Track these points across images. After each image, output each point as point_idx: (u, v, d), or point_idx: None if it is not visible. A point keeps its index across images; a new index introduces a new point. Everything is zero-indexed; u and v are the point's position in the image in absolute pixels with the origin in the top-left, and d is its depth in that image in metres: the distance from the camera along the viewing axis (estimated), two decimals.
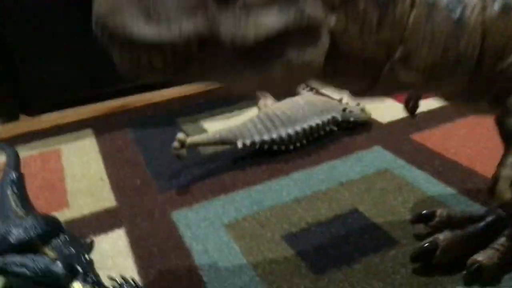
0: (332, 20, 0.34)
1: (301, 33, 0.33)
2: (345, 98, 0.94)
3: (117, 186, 0.80)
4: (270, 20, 0.31)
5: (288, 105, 0.85)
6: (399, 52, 0.37)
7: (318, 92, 1.03)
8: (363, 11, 0.35)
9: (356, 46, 0.36)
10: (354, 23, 0.35)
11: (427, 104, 1.00)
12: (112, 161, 0.89)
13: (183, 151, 0.77)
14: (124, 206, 0.74)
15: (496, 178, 0.41)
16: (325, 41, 0.34)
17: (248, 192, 0.74)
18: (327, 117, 0.87)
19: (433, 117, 0.95)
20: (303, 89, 0.95)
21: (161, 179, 0.81)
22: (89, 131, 1.04)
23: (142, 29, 0.30)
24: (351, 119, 0.90)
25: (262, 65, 0.33)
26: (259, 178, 0.78)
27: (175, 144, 0.76)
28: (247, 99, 1.01)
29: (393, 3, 0.35)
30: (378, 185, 0.73)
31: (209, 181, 0.79)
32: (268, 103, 0.89)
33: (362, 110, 0.92)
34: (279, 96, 0.38)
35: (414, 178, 0.74)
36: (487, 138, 0.85)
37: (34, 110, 1.17)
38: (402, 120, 0.95)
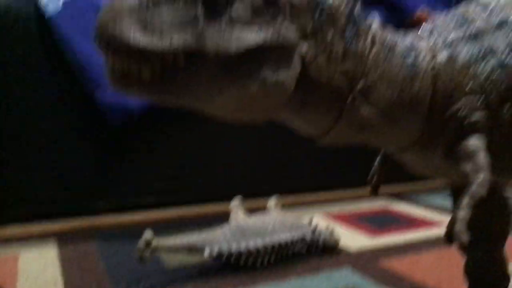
0: (303, 47, 0.38)
1: (276, 53, 0.36)
2: (315, 220, 0.96)
3: None
4: (250, 36, 0.35)
5: (259, 219, 0.86)
6: (360, 84, 0.40)
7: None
8: (331, 42, 0.39)
9: (324, 75, 0.39)
10: (322, 52, 0.38)
11: (396, 238, 1.02)
12: (70, 267, 0.85)
13: (148, 254, 0.75)
14: None
15: (453, 220, 0.41)
16: (296, 64, 0.37)
17: None
18: (296, 235, 0.88)
19: (401, 247, 0.96)
20: (275, 207, 0.97)
21: (119, 286, 0.76)
22: (52, 241, 1.01)
23: (137, 37, 0.33)
24: (320, 241, 0.91)
25: (241, 80, 0.36)
26: None
27: (140, 244, 0.74)
28: (219, 219, 1.01)
29: (356, 38, 0.40)
30: None
31: None
32: (240, 215, 0.90)
33: (331, 234, 0.93)
34: (253, 122, 0.40)
35: None
36: (454, 266, 0.85)
37: None
38: (370, 248, 0.96)
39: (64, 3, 1.11)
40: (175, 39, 0.34)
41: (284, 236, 0.85)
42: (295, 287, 0.76)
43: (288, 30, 0.37)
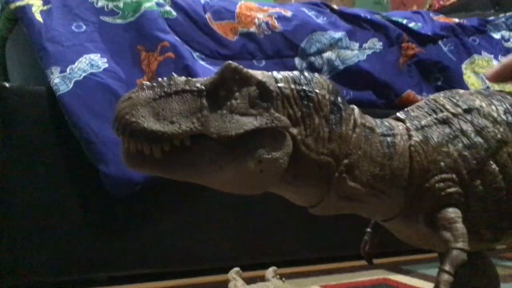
0: (294, 130, 0.44)
1: (270, 135, 0.43)
2: None
3: None
4: (248, 121, 0.42)
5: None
6: (345, 162, 0.46)
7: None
8: (317, 125, 0.45)
9: (312, 153, 0.45)
10: (310, 134, 0.45)
11: None
12: None
13: None
14: None
15: (437, 284, 0.44)
16: (288, 145, 0.44)
17: None
18: None
19: None
20: (273, 277, 0.98)
21: None
22: None
23: (151, 123, 0.40)
24: None
25: (240, 159, 0.42)
26: None
27: None
28: None
29: (339, 122, 0.46)
30: None
31: None
32: (238, 285, 0.91)
33: None
34: (252, 193, 0.46)
35: None
36: None
37: None
38: None
39: (75, 83, 1.19)
40: (183, 124, 0.41)
41: None
42: None
43: (280, 117, 0.44)
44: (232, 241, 1.31)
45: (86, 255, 1.17)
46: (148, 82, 0.43)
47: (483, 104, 0.52)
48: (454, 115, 0.51)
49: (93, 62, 1.23)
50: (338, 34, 1.56)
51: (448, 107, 0.52)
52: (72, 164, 1.19)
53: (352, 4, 3.75)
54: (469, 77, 1.72)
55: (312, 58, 1.52)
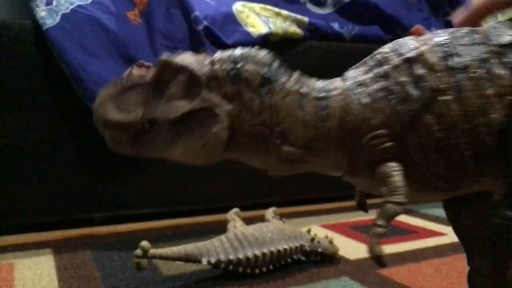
0: (229, 107, 0.49)
1: (205, 114, 0.49)
2: (313, 230, 0.95)
3: None
4: (183, 105, 0.49)
5: (257, 228, 0.86)
6: (277, 129, 0.50)
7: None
8: (249, 100, 0.49)
9: (247, 125, 0.50)
10: (243, 109, 0.49)
11: (394, 247, 1.02)
12: (67, 275, 0.84)
13: (144, 261, 0.74)
14: None
15: (371, 236, 0.47)
16: (224, 119, 0.49)
17: None
18: (295, 244, 0.87)
19: (400, 256, 0.96)
20: (273, 217, 0.97)
21: None
22: (47, 250, 0.99)
23: (115, 115, 0.50)
24: (319, 249, 0.90)
25: (183, 137, 0.49)
26: None
27: (137, 251, 0.74)
28: (216, 229, 1.00)
29: (269, 94, 0.50)
30: None
31: None
32: (237, 225, 0.89)
33: (331, 242, 0.92)
34: (206, 164, 0.53)
35: None
36: (453, 276, 0.85)
37: None
38: (369, 258, 0.95)
39: (62, 16, 1.12)
40: (139, 113, 0.50)
41: (282, 245, 0.85)
42: None
43: (211, 96, 0.49)
44: (231, 181, 1.29)
45: (82, 195, 1.15)
46: (112, 80, 0.51)
47: (424, 50, 0.50)
48: (394, 67, 0.50)
49: None
50: None
51: (390, 59, 0.51)
52: (62, 102, 1.14)
53: None
54: None
55: None
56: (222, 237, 0.83)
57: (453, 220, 0.59)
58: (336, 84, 0.53)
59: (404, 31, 1.46)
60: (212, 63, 0.51)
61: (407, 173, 0.49)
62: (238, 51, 0.52)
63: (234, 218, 0.94)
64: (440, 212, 1.36)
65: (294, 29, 1.33)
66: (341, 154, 0.51)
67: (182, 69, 0.50)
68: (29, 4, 1.13)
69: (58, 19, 1.11)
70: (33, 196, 1.11)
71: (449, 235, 1.10)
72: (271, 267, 0.84)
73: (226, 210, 1.00)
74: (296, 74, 0.53)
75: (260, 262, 0.82)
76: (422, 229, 1.18)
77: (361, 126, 0.50)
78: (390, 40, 0.53)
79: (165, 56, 0.51)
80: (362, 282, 0.82)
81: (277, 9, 1.35)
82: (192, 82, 0.50)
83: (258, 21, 1.30)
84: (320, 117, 0.50)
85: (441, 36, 0.51)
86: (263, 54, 0.52)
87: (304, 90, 0.51)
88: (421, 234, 1.14)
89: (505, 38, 0.49)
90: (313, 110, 0.50)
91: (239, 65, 0.50)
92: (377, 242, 0.47)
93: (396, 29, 1.47)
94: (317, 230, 1.08)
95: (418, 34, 1.45)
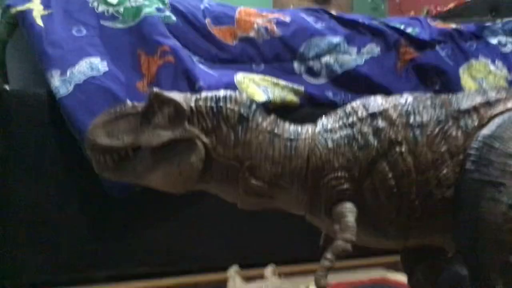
0: (206, 140, 0.55)
1: (185, 144, 0.54)
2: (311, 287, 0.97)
3: None
4: (166, 134, 0.55)
5: (256, 287, 0.88)
6: (247, 164, 0.55)
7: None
8: (225, 135, 0.55)
9: (221, 158, 0.55)
10: (219, 142, 0.55)
11: None
12: None
13: None
14: None
15: (318, 268, 0.52)
16: (200, 150, 0.54)
17: None
18: None
19: None
20: (272, 276, 0.98)
21: None
22: None
23: (103, 140, 0.55)
24: None
25: (163, 164, 0.54)
26: None
27: None
28: None
29: (244, 131, 0.55)
30: None
31: None
32: (237, 284, 0.91)
33: None
34: (180, 192, 0.59)
35: None
36: None
37: None
38: None
39: (75, 86, 1.20)
40: (125, 139, 0.55)
41: None
42: None
43: (192, 128, 0.55)
44: (231, 240, 1.31)
45: (85, 254, 1.18)
46: (108, 110, 0.58)
47: (388, 107, 0.56)
48: (360, 119, 0.56)
49: (93, 65, 1.24)
50: (336, 39, 1.57)
51: (358, 112, 0.57)
52: (72, 166, 1.19)
53: (350, 10, 3.77)
54: (466, 82, 1.73)
55: (311, 63, 1.53)
56: None
57: (408, 273, 0.62)
58: (307, 128, 0.59)
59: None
60: (197, 100, 0.57)
61: (361, 215, 0.54)
62: (221, 92, 0.58)
63: (234, 276, 0.96)
64: None
65: (291, 97, 1.42)
66: (303, 192, 0.57)
67: (170, 101, 0.56)
68: (44, 75, 1.22)
69: (71, 88, 1.19)
70: (36, 255, 1.14)
71: None
72: None
73: (226, 268, 1.02)
74: (272, 116, 0.58)
75: None
76: None
77: (323, 167, 0.55)
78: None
79: (156, 89, 0.58)
80: None
81: (275, 80, 1.44)
82: (177, 114, 0.55)
83: (258, 90, 1.39)
84: (288, 156, 0.56)
85: (406, 97, 0.58)
86: (244, 96, 0.58)
87: (277, 131, 0.57)
88: None
89: (464, 105, 0.56)
90: (282, 149, 0.56)
91: (221, 103, 0.56)
92: (324, 275, 0.52)
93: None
94: None
95: None
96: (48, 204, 1.16)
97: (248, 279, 0.97)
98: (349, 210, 0.53)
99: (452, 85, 1.67)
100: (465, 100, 0.56)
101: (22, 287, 1.14)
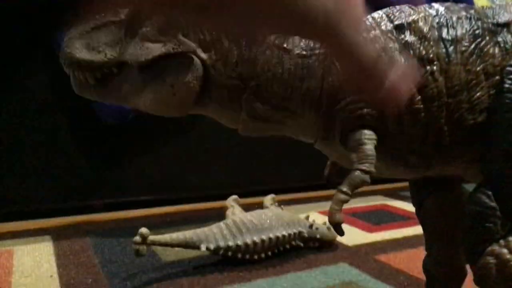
0: (204, 55, 0.46)
1: (179, 60, 0.45)
2: (312, 217, 0.96)
3: (66, 284, 0.74)
4: (156, 47, 0.45)
5: (255, 215, 0.86)
6: (251, 85, 0.47)
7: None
8: (227, 50, 0.46)
9: (222, 77, 0.46)
10: (220, 59, 0.46)
11: (392, 234, 1.02)
12: (65, 262, 0.84)
13: (143, 248, 0.74)
14: None
15: (333, 201, 0.45)
16: (198, 68, 0.45)
17: None
18: (293, 230, 0.87)
19: (398, 243, 0.96)
20: (271, 204, 0.97)
21: (115, 280, 0.76)
22: (46, 237, 1.00)
23: (83, 54, 0.45)
24: (317, 236, 0.90)
25: (153, 84, 0.46)
26: (219, 284, 0.75)
27: (136, 238, 0.74)
28: (215, 216, 1.01)
29: (248, 46, 0.46)
30: None
31: (166, 284, 0.74)
32: (236, 212, 0.89)
33: (329, 228, 0.92)
34: (174, 115, 0.49)
35: None
36: None
37: None
38: (367, 244, 0.96)
39: None
40: (108, 53, 0.45)
41: (281, 232, 0.85)
42: (292, 282, 0.76)
43: (187, 41, 0.46)
44: (230, 168, 1.29)
45: (81, 182, 1.15)
46: (86, 16, 0.47)
47: (417, 18, 0.48)
48: (383, 32, 0.47)
49: None
50: None
51: (382, 24, 0.48)
52: (61, 89, 1.13)
53: None
54: None
55: None
56: (221, 223, 0.84)
57: (417, 205, 0.58)
58: (317, 44, 0.49)
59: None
60: None
61: (380, 144, 0.47)
62: None
63: (233, 204, 0.94)
64: None
65: None
66: (315, 118, 0.48)
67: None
68: None
69: None
70: (33, 183, 1.11)
71: None
72: (269, 253, 0.85)
73: (225, 197, 1.00)
74: None
75: (258, 248, 0.82)
76: None
77: (341, 89, 0.47)
78: None
79: None
80: (360, 268, 0.82)
81: None
82: (169, 23, 0.46)
83: None
84: (300, 75, 0.47)
85: (437, 7, 0.49)
86: None
87: (287, 45, 0.47)
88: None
89: (502, 18, 0.48)
90: (293, 68, 0.47)
91: None
92: (339, 209, 0.45)
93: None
94: (315, 216, 1.09)
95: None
96: (38, 131, 1.11)
97: (247, 207, 0.95)
98: (368, 138, 0.46)
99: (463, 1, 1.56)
100: (503, 12, 0.48)
101: (16, 215, 1.13)
